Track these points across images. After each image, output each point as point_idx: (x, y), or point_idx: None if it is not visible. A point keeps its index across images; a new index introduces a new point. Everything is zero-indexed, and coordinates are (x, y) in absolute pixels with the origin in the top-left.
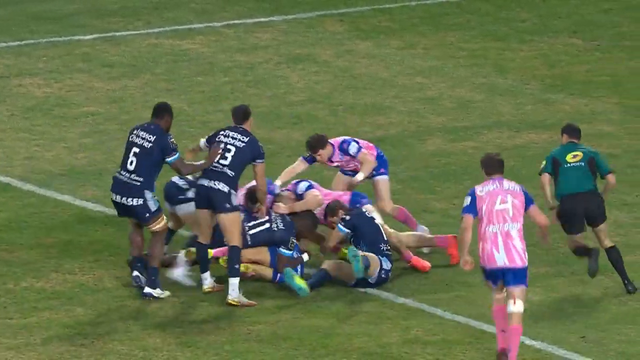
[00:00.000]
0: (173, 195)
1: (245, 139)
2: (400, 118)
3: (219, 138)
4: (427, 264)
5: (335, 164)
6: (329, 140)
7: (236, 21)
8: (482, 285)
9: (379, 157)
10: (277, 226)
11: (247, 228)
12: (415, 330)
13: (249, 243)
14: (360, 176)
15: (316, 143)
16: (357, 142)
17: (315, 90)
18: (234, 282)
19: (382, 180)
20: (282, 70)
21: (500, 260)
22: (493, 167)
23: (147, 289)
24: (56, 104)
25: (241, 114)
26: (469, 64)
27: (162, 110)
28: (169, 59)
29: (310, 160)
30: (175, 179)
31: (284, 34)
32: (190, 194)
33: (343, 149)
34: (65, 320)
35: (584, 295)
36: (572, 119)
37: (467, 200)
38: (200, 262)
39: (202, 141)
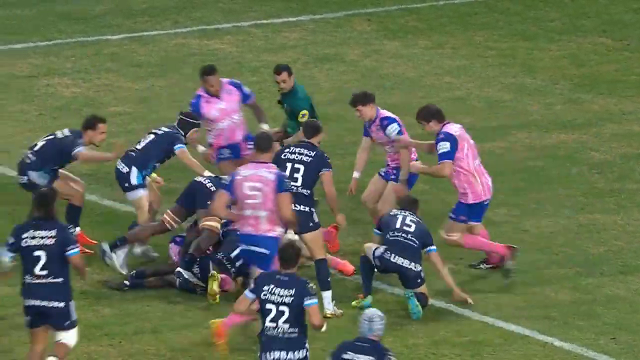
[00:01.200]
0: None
1: (312, 153)
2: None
3: (285, 156)
4: (350, 267)
5: (373, 135)
6: (375, 105)
7: (264, 21)
8: (509, 285)
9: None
10: None
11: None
12: (443, 331)
13: None
14: (401, 176)
15: (358, 97)
16: (400, 126)
17: (342, 90)
18: (328, 295)
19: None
20: (309, 70)
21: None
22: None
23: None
24: (84, 103)
25: (310, 130)
26: (497, 63)
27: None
28: (197, 59)
29: (365, 132)
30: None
31: (312, 33)
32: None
33: (383, 125)
34: (93, 321)
35: (614, 296)
36: (601, 118)
37: (447, 146)
38: (320, 279)
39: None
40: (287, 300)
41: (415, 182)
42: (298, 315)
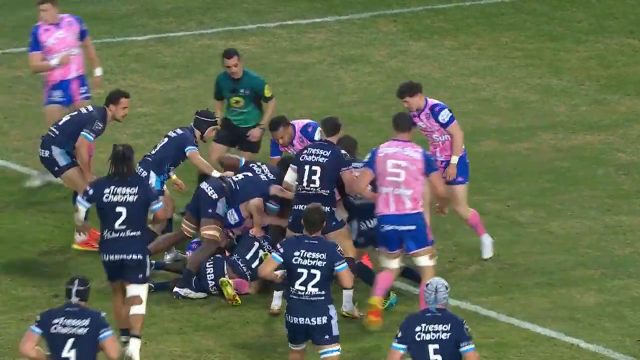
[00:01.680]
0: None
1: (328, 153)
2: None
3: (303, 158)
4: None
5: (422, 124)
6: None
7: (289, 22)
8: (535, 287)
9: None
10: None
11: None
12: None
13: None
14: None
15: (405, 88)
16: (451, 112)
17: (368, 91)
18: (348, 293)
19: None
20: (335, 71)
21: None
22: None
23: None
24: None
25: (331, 127)
26: (523, 64)
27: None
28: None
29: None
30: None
31: (337, 34)
32: (220, 205)
33: (434, 112)
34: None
35: None
36: (628, 119)
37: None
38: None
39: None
40: (319, 264)
41: (468, 171)
42: (327, 279)
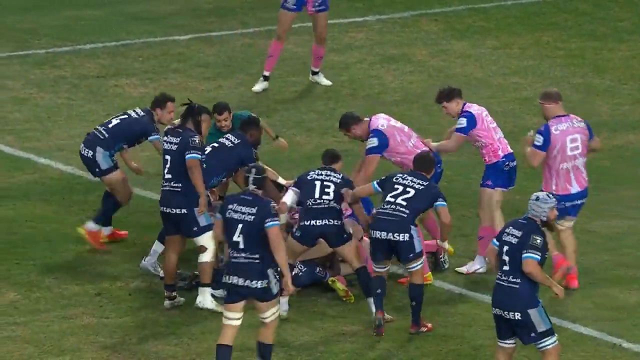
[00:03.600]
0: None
1: (339, 176)
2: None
3: (311, 177)
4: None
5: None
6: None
7: (330, 21)
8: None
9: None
10: None
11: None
12: None
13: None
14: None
15: (443, 93)
16: (466, 123)
17: (409, 90)
18: (372, 301)
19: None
20: (376, 70)
21: None
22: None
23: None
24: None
25: (329, 158)
26: (565, 63)
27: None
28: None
29: None
30: None
31: (378, 33)
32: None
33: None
34: (160, 320)
35: None
36: None
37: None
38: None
39: (289, 194)
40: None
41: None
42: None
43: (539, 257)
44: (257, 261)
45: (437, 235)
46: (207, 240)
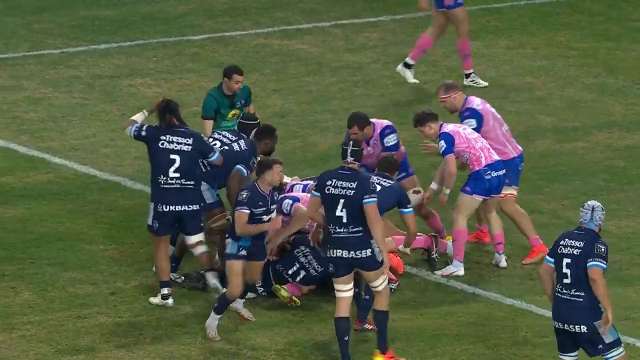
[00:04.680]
0: None
1: (354, 184)
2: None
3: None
4: None
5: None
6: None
7: (344, 21)
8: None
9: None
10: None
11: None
12: (524, 332)
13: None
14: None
15: (418, 117)
16: (445, 143)
17: (423, 90)
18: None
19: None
20: (390, 70)
21: None
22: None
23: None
24: None
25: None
26: (579, 63)
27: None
28: (278, 59)
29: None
30: None
31: (393, 33)
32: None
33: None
34: (174, 319)
35: None
36: None
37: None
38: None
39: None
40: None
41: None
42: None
43: (605, 266)
44: (360, 233)
45: (442, 234)
46: (200, 237)
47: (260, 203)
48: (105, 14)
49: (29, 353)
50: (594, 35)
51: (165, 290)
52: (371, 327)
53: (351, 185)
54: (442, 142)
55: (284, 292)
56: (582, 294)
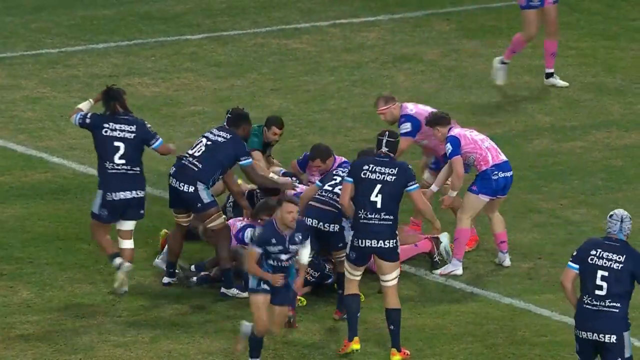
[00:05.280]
0: None
1: (395, 170)
2: (507, 117)
3: (365, 174)
4: None
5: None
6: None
7: (342, 20)
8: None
9: None
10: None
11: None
12: (522, 332)
13: None
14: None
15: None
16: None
17: (421, 89)
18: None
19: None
20: (388, 69)
21: None
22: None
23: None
24: (164, 103)
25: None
26: (577, 63)
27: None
28: (276, 59)
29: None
30: None
31: (391, 33)
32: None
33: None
34: (173, 319)
35: None
36: None
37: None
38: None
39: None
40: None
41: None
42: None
43: None
44: (389, 222)
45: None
46: (133, 226)
47: (274, 240)
48: (103, 14)
49: (28, 352)
50: (593, 35)
51: (117, 260)
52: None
53: (392, 171)
54: (449, 145)
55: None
56: (618, 305)
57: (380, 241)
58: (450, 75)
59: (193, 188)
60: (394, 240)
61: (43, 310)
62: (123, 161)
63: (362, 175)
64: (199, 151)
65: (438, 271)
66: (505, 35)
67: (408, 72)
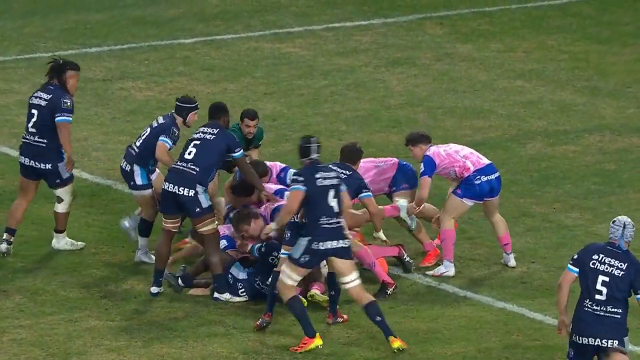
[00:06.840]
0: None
1: (349, 173)
2: (500, 121)
3: (320, 182)
4: None
5: None
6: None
7: (336, 24)
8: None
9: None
10: None
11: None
12: (515, 335)
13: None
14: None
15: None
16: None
17: (414, 93)
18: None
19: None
20: (381, 73)
21: None
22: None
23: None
24: (157, 107)
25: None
26: (570, 67)
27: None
28: (269, 62)
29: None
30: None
31: (384, 37)
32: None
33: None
34: (166, 323)
35: None
36: None
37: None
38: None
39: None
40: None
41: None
42: None
43: None
44: (341, 223)
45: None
46: (65, 193)
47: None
48: (96, 18)
49: (20, 357)
50: (585, 39)
51: (5, 236)
52: (343, 319)
53: (344, 174)
54: (422, 165)
55: (318, 296)
56: (620, 310)
57: (341, 240)
58: (444, 79)
59: (193, 192)
60: (349, 240)
61: (36, 315)
62: (34, 130)
63: (317, 184)
64: (189, 154)
65: (430, 273)
66: (498, 39)
67: (401, 76)
